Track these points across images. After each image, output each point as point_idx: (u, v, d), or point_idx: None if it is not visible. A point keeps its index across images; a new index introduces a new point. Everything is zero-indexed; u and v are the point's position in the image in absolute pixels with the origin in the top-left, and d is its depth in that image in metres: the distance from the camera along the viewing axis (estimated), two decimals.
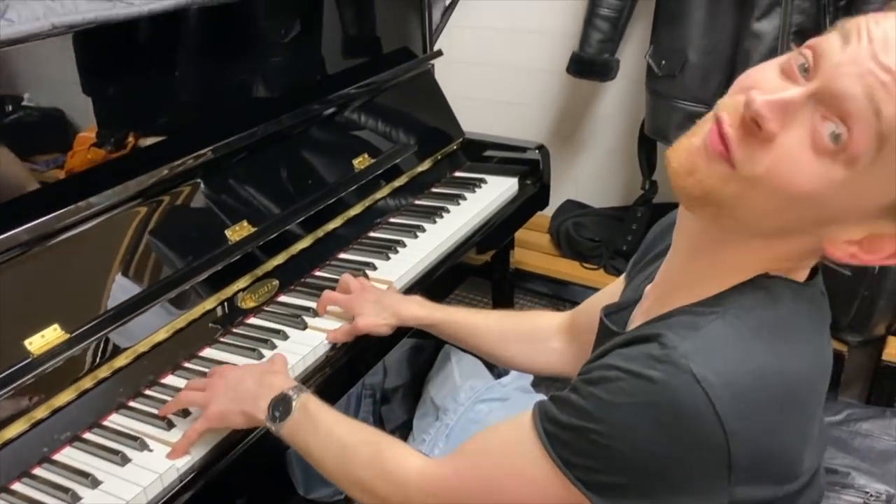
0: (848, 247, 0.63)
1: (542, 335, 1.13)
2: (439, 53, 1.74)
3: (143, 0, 1.00)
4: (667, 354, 0.61)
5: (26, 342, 0.95)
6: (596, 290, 2.02)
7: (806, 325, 0.67)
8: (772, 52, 1.47)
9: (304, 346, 1.14)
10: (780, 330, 0.65)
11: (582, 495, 0.66)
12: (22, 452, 0.92)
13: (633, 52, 1.95)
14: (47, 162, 1.07)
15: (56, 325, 0.98)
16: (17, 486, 0.90)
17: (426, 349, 2.03)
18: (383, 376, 1.97)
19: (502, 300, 1.95)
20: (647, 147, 1.90)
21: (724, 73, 1.59)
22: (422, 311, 1.17)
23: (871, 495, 1.35)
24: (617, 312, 0.86)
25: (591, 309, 1.02)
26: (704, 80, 1.61)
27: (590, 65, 1.82)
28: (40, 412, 0.94)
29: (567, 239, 2.10)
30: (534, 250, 2.16)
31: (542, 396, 1.49)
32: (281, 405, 0.90)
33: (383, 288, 1.25)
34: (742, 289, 0.66)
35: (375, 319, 1.15)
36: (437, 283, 1.40)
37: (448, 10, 1.76)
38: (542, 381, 1.93)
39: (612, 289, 1.02)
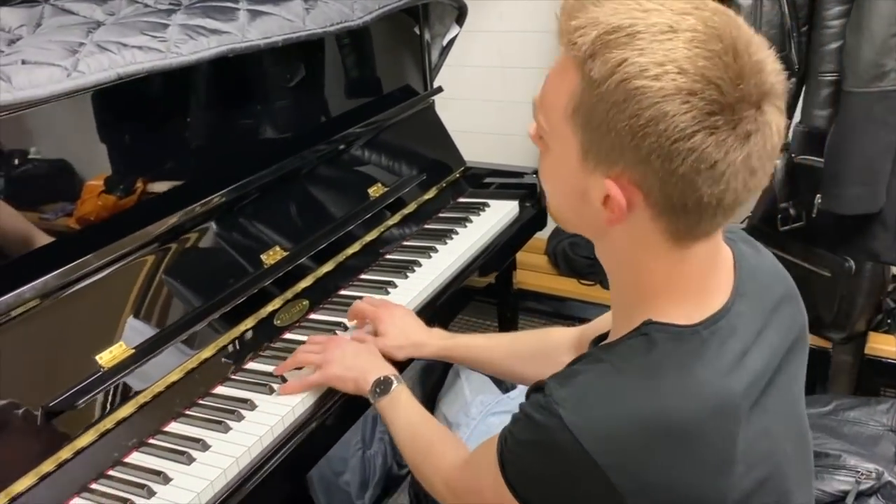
0: (603, 212, 0.71)
1: (552, 350, 1.20)
2: (440, 90, 1.88)
3: (190, 49, 1.13)
4: (546, 401, 0.72)
5: (97, 357, 1.06)
6: (593, 304, 2.16)
7: (684, 365, 0.71)
8: None
9: None
10: (653, 372, 0.71)
11: None
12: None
13: None
14: (55, 211, 1.14)
15: (121, 343, 1.09)
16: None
17: (436, 369, 2.13)
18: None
19: (507, 320, 2.06)
20: None
21: None
22: (441, 342, 1.26)
23: (862, 474, 1.46)
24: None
25: (601, 324, 1.12)
26: None
27: None
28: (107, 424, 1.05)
29: (564, 258, 2.22)
30: (533, 270, 2.28)
31: None
32: (383, 385, 1.09)
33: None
34: (629, 335, 0.75)
35: (396, 343, 1.23)
36: (450, 299, 1.51)
37: (445, 50, 1.90)
38: None
39: None
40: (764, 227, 1.87)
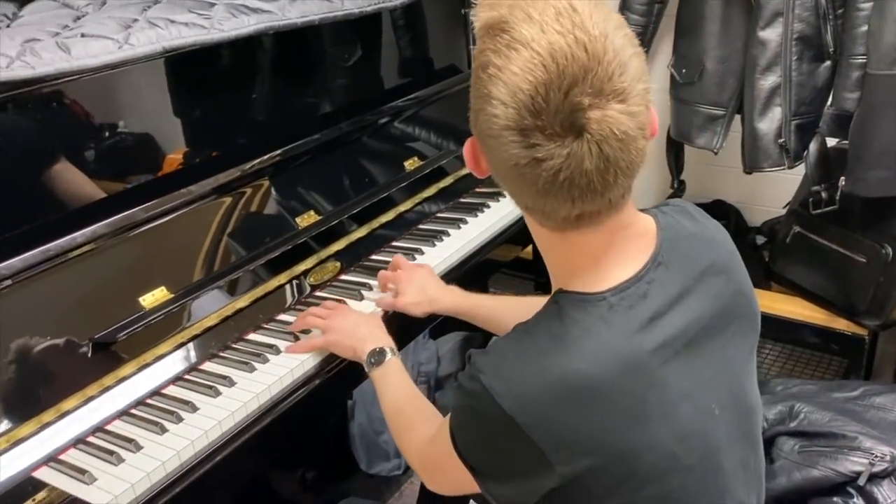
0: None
1: None
2: None
3: (232, 26, 1.24)
4: (471, 370, 0.79)
5: (140, 299, 1.20)
6: None
7: (589, 328, 0.77)
8: (776, 58, 1.63)
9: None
10: (561, 336, 0.77)
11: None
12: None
13: (659, 66, 2.13)
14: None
15: (163, 287, 1.23)
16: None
17: (475, 339, 2.23)
18: (437, 365, 2.18)
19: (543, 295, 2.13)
20: (675, 149, 2.06)
21: (738, 78, 1.75)
22: (455, 298, 1.34)
23: (877, 456, 1.47)
24: None
25: None
26: (720, 86, 1.78)
27: None
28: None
29: None
30: None
31: None
32: (377, 356, 1.16)
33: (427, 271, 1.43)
34: (545, 306, 0.82)
35: (413, 300, 1.32)
36: (475, 268, 1.59)
37: None
38: None
39: None
40: (803, 211, 1.88)
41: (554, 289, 0.83)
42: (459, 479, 0.87)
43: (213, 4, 1.28)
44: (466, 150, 0.82)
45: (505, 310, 1.29)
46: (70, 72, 1.07)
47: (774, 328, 2.00)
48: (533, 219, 0.81)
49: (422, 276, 1.38)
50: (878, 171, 1.50)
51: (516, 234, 1.71)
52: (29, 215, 1.14)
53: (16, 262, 1.08)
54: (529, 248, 1.99)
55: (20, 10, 1.23)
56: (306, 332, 1.28)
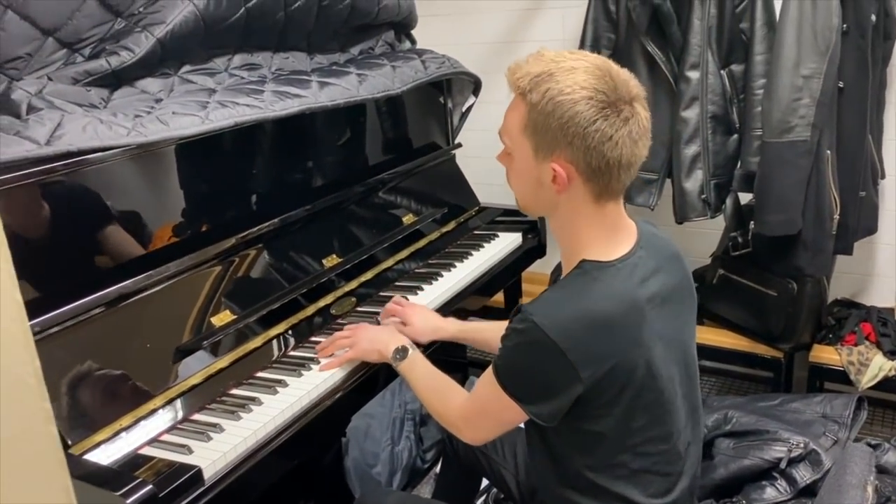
0: (553, 187, 1.11)
1: None
2: (459, 145, 2.34)
3: (281, 107, 1.59)
4: (523, 315, 1.10)
5: (212, 319, 1.49)
6: None
7: (606, 281, 1.11)
8: (696, 132, 2.08)
9: None
10: (588, 286, 1.11)
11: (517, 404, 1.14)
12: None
13: None
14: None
15: (227, 311, 1.52)
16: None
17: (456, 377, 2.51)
18: (421, 403, 2.45)
19: None
20: None
21: (667, 148, 2.18)
22: (456, 326, 1.65)
23: (794, 444, 1.83)
24: None
25: None
26: (653, 155, 2.19)
27: None
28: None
29: None
30: None
31: None
32: (401, 352, 1.45)
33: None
34: (573, 270, 1.15)
35: (419, 329, 1.60)
36: (466, 302, 1.92)
37: (464, 115, 2.38)
38: None
39: None
40: (724, 256, 2.29)
41: (573, 262, 1.16)
42: (500, 417, 1.19)
43: (262, 91, 1.63)
44: (558, 170, 1.10)
45: (499, 332, 1.60)
46: (171, 139, 1.40)
47: (708, 356, 2.37)
48: (593, 194, 1.12)
49: (423, 310, 1.68)
50: (777, 214, 1.93)
51: (484, 285, 2.03)
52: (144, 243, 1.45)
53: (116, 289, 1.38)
54: (497, 296, 2.33)
55: (112, 94, 1.56)
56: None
